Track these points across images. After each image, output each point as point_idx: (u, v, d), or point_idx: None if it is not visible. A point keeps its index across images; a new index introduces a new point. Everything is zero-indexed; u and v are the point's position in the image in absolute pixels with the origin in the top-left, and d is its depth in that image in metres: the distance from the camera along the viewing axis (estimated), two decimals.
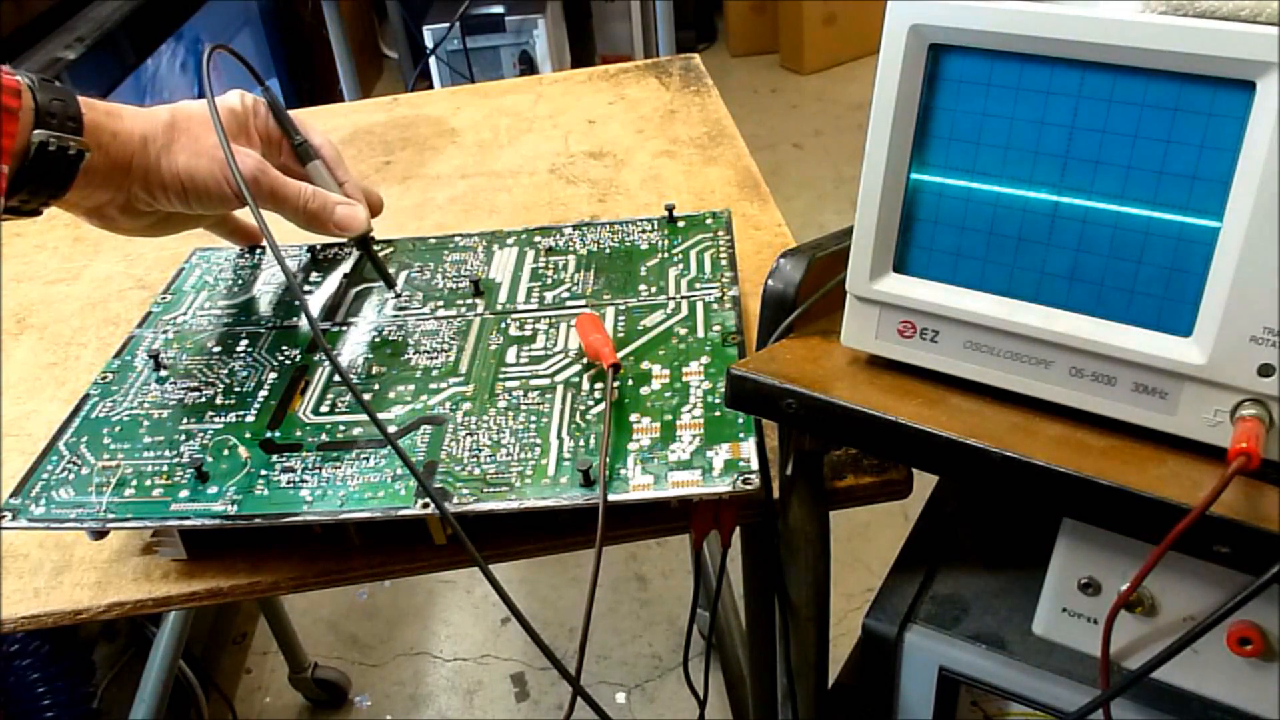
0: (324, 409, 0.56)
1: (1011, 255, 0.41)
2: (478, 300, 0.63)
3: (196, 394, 0.58)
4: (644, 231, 0.68)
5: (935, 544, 0.54)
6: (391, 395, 0.56)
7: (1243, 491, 0.37)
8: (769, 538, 0.52)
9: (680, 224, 0.68)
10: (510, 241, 0.69)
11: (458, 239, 0.70)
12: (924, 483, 0.52)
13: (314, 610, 1.54)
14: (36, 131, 0.52)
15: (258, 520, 0.49)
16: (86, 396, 0.58)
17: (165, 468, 0.52)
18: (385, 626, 1.52)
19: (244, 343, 0.62)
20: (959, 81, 0.40)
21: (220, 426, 0.55)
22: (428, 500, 0.48)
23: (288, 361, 0.60)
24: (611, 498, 0.47)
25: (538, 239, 0.69)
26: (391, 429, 0.53)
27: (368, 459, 0.51)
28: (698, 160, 0.83)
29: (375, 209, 0.67)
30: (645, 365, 0.55)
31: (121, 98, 0.90)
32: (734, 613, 1.24)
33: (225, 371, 0.59)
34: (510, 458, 0.51)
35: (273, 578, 0.52)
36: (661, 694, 1.38)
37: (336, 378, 0.58)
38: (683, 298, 0.61)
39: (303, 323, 0.63)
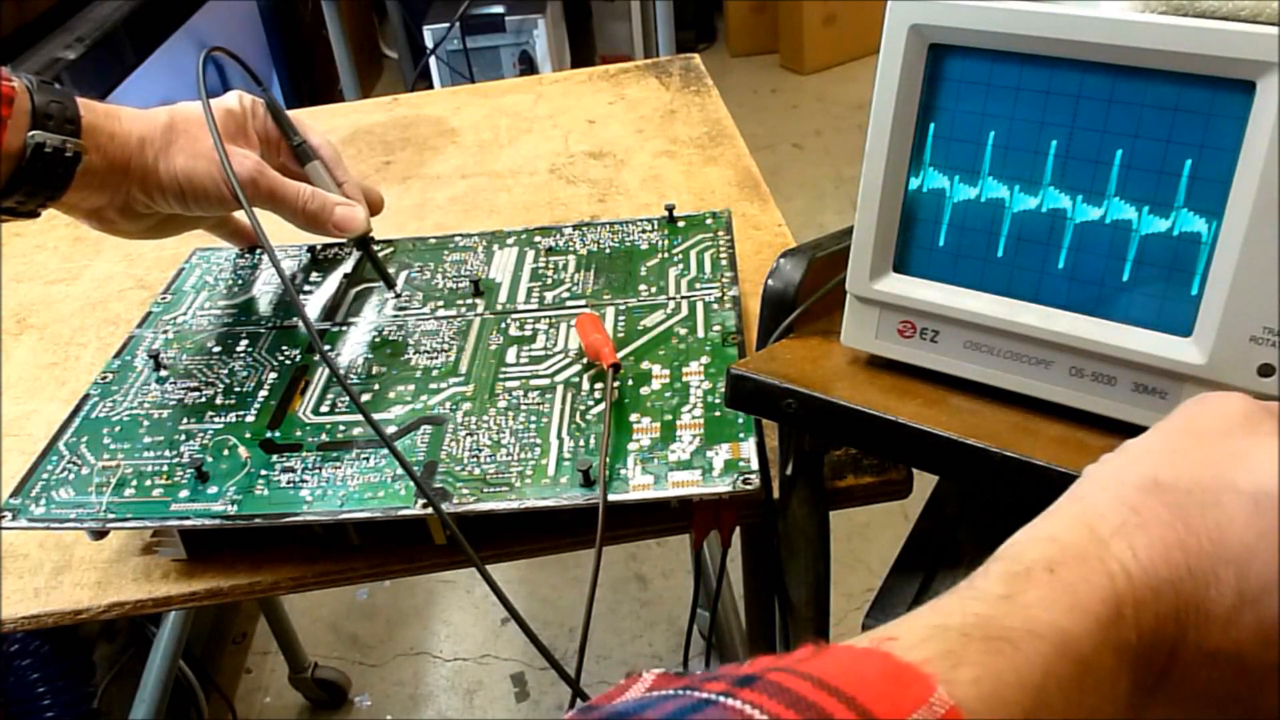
0: (324, 409, 0.56)
1: (1011, 255, 0.41)
2: (478, 300, 0.63)
3: (196, 394, 0.58)
4: (644, 231, 0.68)
5: (935, 544, 0.54)
6: (391, 395, 0.56)
7: None
8: (769, 538, 0.52)
9: (680, 224, 0.68)
10: (510, 241, 0.69)
11: (458, 239, 0.70)
12: (924, 483, 0.52)
13: (314, 610, 1.54)
14: (33, 133, 0.52)
15: (258, 520, 0.49)
16: (86, 396, 0.58)
17: (165, 468, 0.52)
18: (385, 626, 1.52)
19: (244, 343, 0.62)
20: (959, 81, 0.40)
21: (220, 426, 0.55)
22: (427, 500, 0.48)
23: (288, 361, 0.60)
24: (611, 498, 0.47)
25: (538, 239, 0.69)
26: (391, 429, 0.53)
27: (368, 459, 0.51)
28: (698, 160, 0.83)
29: (376, 207, 0.67)
30: (645, 365, 0.55)
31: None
32: (734, 613, 1.24)
33: (225, 371, 0.59)
34: (510, 458, 0.51)
35: (273, 578, 0.52)
36: None
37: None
38: (683, 298, 0.61)
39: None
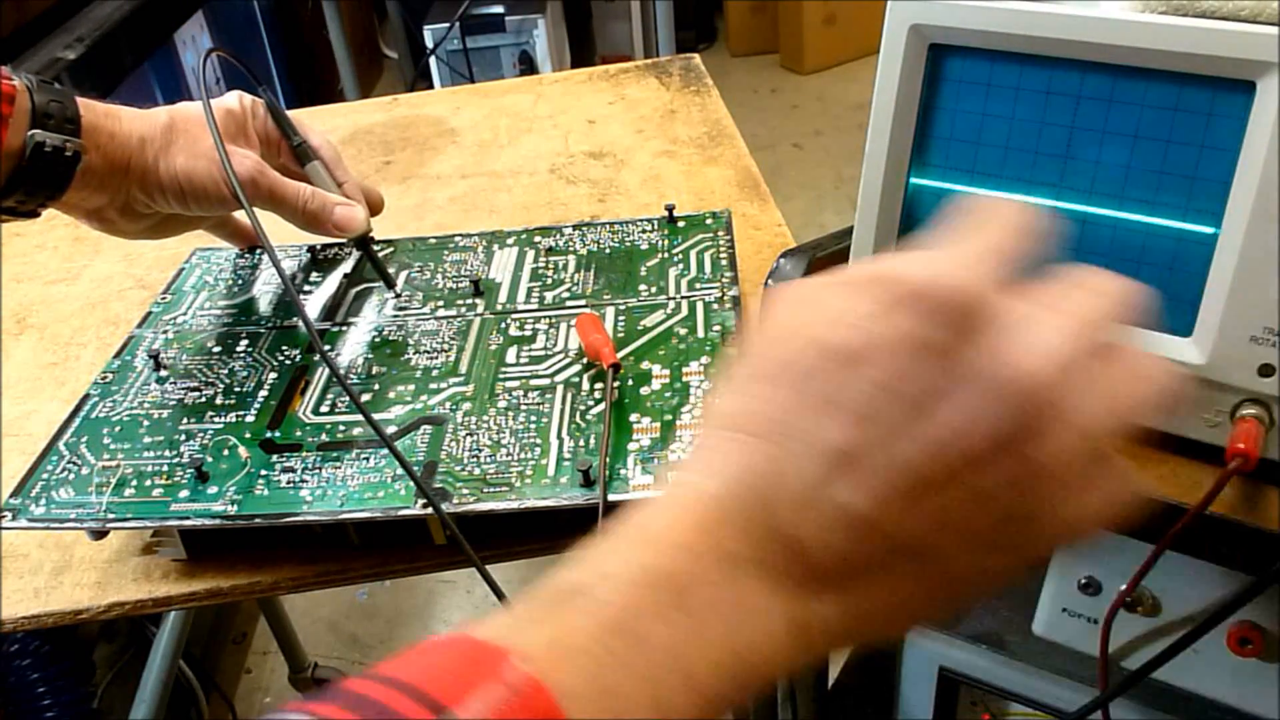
0: (324, 409, 0.56)
1: None
2: (478, 300, 0.63)
3: (196, 394, 0.58)
4: (644, 231, 0.68)
5: None
6: (391, 395, 0.56)
7: (1242, 491, 0.37)
8: None
9: (680, 224, 0.68)
10: (510, 241, 0.69)
11: (458, 239, 0.70)
12: None
13: (314, 610, 1.54)
14: (33, 132, 0.52)
15: (258, 520, 0.49)
16: (86, 396, 0.58)
17: (165, 468, 0.52)
18: (385, 626, 1.52)
19: (244, 343, 0.62)
20: (959, 82, 0.40)
21: (220, 426, 0.55)
22: (427, 500, 0.48)
23: (288, 361, 0.60)
24: (611, 498, 0.47)
25: (538, 239, 0.69)
26: (391, 429, 0.53)
27: (368, 459, 0.51)
28: (698, 160, 0.83)
29: (376, 207, 0.67)
30: (645, 365, 0.55)
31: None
32: None
33: (225, 371, 0.59)
34: (510, 458, 0.51)
35: (273, 578, 0.52)
36: None
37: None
38: (683, 298, 0.61)
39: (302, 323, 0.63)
